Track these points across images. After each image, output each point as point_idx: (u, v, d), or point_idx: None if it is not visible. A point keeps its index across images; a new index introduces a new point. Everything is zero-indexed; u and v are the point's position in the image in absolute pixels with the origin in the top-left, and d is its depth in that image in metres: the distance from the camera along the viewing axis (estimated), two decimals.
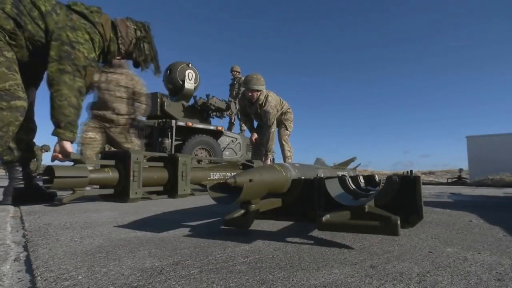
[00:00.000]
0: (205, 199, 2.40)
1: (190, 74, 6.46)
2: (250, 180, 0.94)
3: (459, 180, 8.35)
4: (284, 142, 4.81)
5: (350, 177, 1.54)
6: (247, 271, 0.72)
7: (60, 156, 2.09)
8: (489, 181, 6.44)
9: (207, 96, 6.47)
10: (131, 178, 2.28)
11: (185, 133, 5.88)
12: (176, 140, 5.70)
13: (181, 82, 6.38)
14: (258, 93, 4.41)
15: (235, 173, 1.10)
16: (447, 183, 7.62)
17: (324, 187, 1.13)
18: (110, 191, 2.35)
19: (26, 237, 1.07)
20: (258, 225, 1.29)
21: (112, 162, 2.39)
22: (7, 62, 1.88)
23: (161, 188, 2.67)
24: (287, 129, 4.85)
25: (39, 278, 0.66)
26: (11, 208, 1.86)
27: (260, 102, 4.41)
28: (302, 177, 1.23)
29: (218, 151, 6.15)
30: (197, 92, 6.84)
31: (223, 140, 6.52)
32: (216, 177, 3.36)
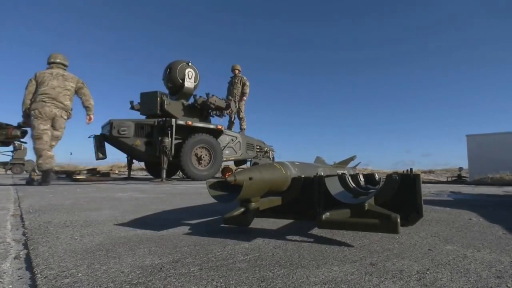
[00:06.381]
0: (205, 198, 2.40)
1: (190, 72, 6.44)
2: (250, 178, 0.94)
3: (459, 179, 8.35)
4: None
5: (350, 175, 1.53)
6: (247, 268, 0.72)
7: None
8: (488, 180, 6.45)
9: (207, 95, 6.45)
10: None
11: (185, 132, 5.87)
12: (176, 139, 5.70)
13: (181, 81, 6.36)
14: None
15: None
16: (447, 182, 7.63)
17: (324, 186, 1.13)
18: None
19: (26, 235, 1.07)
20: (258, 223, 1.29)
21: None
22: None
23: None
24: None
25: (39, 275, 0.66)
26: (11, 206, 1.86)
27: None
28: (302, 176, 1.23)
29: (218, 150, 6.15)
30: (197, 91, 6.84)
31: (223, 139, 6.51)
32: None
